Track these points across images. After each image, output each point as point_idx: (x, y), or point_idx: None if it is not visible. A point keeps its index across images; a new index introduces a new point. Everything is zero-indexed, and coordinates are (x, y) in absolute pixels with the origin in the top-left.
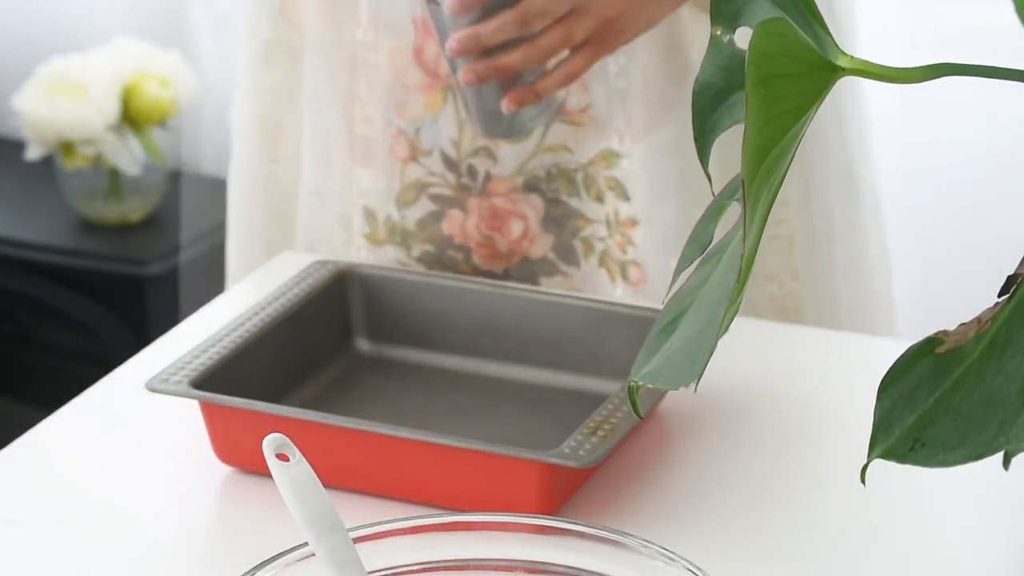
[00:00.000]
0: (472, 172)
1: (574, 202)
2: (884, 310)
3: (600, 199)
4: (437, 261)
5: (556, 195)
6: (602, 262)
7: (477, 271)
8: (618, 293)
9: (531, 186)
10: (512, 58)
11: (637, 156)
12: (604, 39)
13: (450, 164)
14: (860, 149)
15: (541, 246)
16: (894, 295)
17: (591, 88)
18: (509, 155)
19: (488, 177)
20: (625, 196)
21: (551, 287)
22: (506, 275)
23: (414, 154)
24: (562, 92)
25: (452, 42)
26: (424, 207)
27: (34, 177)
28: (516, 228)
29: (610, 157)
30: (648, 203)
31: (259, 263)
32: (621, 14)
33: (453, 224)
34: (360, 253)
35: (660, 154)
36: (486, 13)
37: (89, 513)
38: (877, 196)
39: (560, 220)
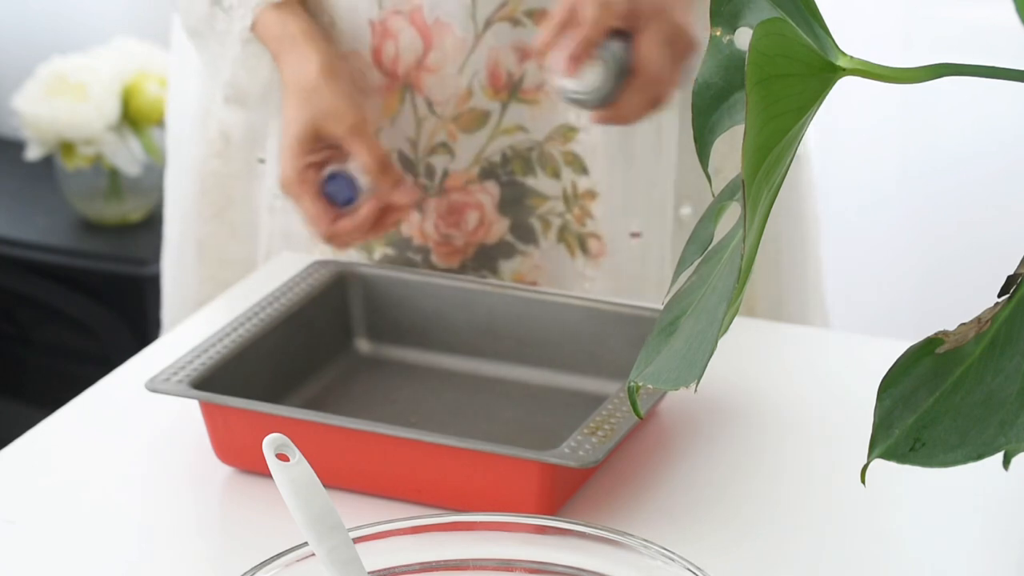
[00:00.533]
0: (430, 171)
1: (529, 181)
2: (817, 304)
3: (556, 175)
4: (397, 263)
5: (511, 177)
6: (561, 237)
7: (435, 270)
8: (579, 267)
9: (487, 173)
10: (638, 113)
11: (595, 129)
12: (687, 49)
13: (408, 165)
14: (802, 148)
15: (498, 231)
16: (824, 288)
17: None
18: (466, 146)
19: (446, 174)
20: (584, 170)
21: (511, 270)
22: (462, 268)
23: None
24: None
25: (599, 121)
26: None
27: (34, 177)
28: (472, 219)
29: (567, 132)
30: (607, 174)
31: (214, 273)
32: (688, 20)
33: (412, 226)
34: (324, 257)
35: None
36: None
37: (89, 513)
38: (816, 190)
39: (516, 201)
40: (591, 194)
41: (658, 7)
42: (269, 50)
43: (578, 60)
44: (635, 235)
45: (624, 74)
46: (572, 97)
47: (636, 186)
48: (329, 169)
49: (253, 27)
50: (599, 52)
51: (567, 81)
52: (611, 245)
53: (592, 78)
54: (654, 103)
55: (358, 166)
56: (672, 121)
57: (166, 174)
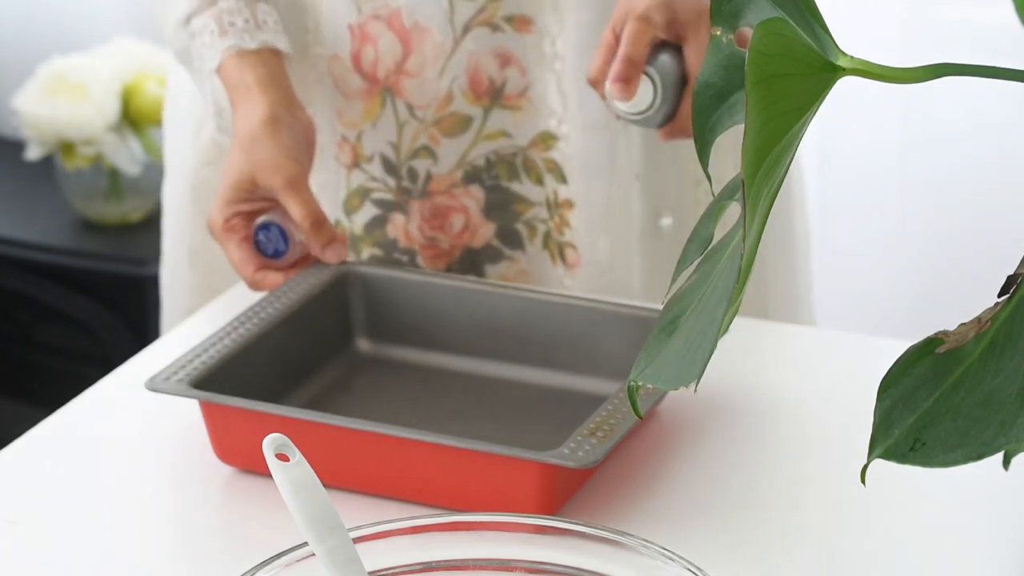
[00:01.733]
0: (412, 174)
1: (515, 186)
2: (805, 315)
3: (540, 181)
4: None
5: (496, 182)
6: (545, 244)
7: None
8: (559, 274)
9: (471, 177)
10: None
11: (573, 138)
12: None
13: (390, 168)
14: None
15: (484, 235)
16: (813, 300)
17: (529, 71)
18: (449, 150)
19: (429, 177)
20: (563, 178)
21: (497, 274)
22: (448, 272)
23: (356, 160)
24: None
25: (666, 137)
26: (368, 212)
27: (34, 177)
28: (457, 222)
29: (548, 139)
30: (582, 184)
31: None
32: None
33: (396, 227)
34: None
35: (591, 132)
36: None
37: (89, 513)
38: (803, 183)
39: (502, 205)
40: (569, 203)
41: (698, 11)
42: (228, 96)
43: (626, 80)
44: (609, 246)
45: (679, 86)
46: (633, 119)
47: (610, 198)
48: (263, 218)
49: (219, 69)
50: (648, 69)
51: (621, 104)
52: (585, 256)
53: (644, 96)
54: None
55: (292, 221)
56: (645, 135)
57: (164, 184)
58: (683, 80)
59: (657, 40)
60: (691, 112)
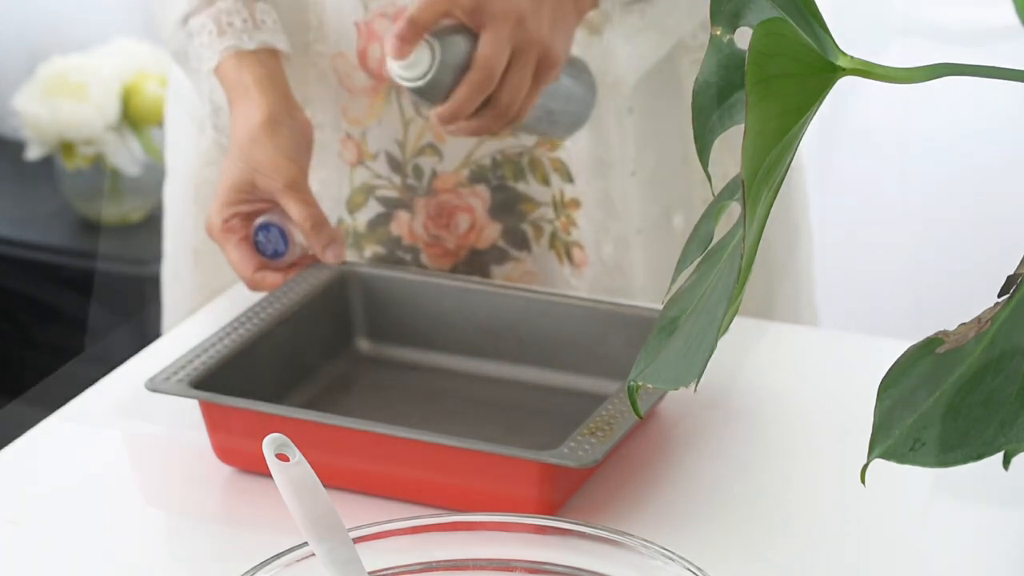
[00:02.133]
0: (418, 172)
1: (521, 186)
2: (807, 294)
3: (546, 181)
4: (387, 262)
5: (502, 182)
6: (552, 244)
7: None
8: (565, 274)
9: (477, 176)
10: (486, 123)
11: (579, 136)
12: (545, 67)
13: (395, 165)
14: (796, 159)
15: (490, 235)
16: (816, 303)
17: None
18: (455, 148)
19: (434, 175)
20: (569, 177)
21: (503, 275)
22: (454, 271)
23: (361, 157)
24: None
25: (438, 121)
26: (372, 209)
27: (34, 177)
28: (463, 222)
29: (554, 139)
30: (587, 184)
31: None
32: (552, 38)
33: (401, 225)
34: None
35: (594, 130)
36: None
37: (89, 513)
38: (804, 183)
39: (508, 206)
40: (576, 203)
41: (509, 10)
42: (226, 96)
43: (404, 40)
44: (613, 245)
45: (462, 70)
46: (406, 85)
47: (610, 197)
48: (262, 219)
49: (217, 69)
50: (434, 40)
51: (395, 64)
52: (592, 256)
53: (420, 63)
54: (501, 115)
55: (292, 221)
56: (650, 134)
57: (165, 184)
58: (468, 66)
59: (455, 21)
60: (468, 101)
